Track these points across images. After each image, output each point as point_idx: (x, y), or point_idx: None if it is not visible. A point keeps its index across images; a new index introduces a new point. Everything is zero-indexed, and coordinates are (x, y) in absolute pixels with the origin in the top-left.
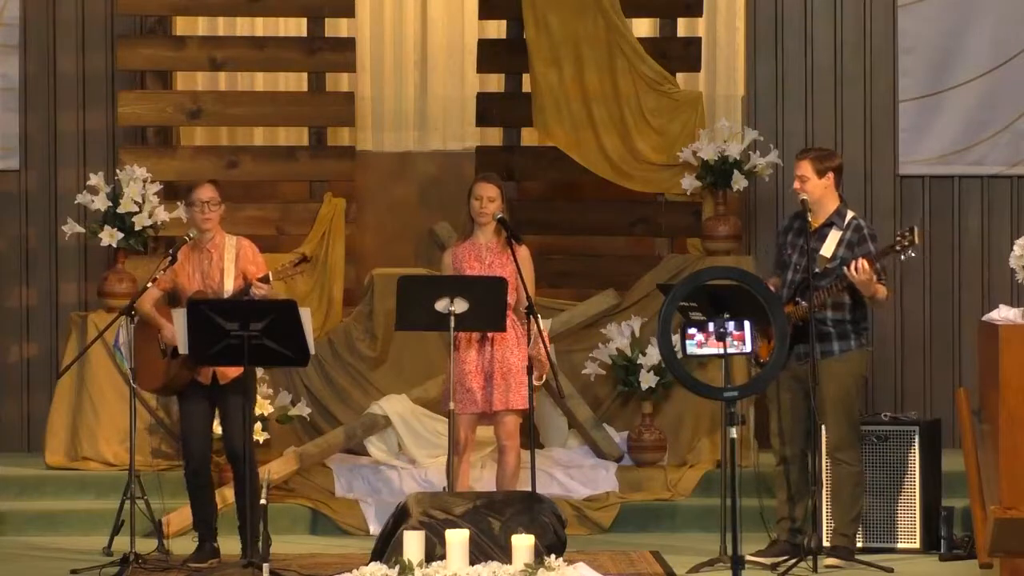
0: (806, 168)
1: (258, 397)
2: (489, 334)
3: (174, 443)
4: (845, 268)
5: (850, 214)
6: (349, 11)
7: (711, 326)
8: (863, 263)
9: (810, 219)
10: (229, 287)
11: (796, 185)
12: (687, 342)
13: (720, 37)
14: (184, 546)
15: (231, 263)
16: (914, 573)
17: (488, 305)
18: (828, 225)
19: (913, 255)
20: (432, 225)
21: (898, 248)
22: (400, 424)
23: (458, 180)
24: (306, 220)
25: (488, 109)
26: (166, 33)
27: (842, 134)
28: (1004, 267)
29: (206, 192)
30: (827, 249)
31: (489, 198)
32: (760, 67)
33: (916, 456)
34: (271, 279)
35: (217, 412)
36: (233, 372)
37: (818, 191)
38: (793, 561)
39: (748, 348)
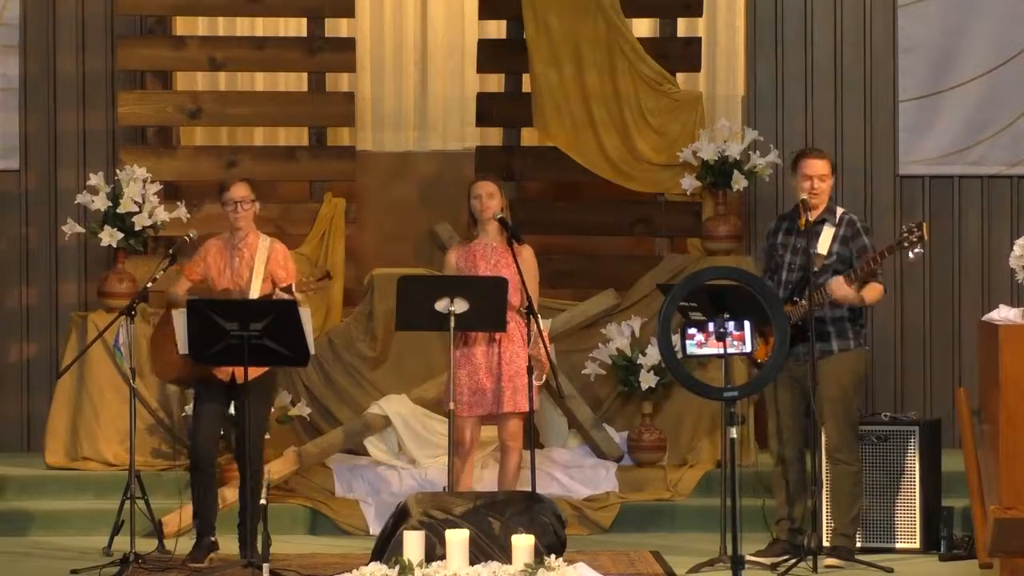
0: (827, 168)
1: None
2: (496, 335)
3: (174, 443)
4: (829, 284)
5: (840, 210)
6: (349, 11)
7: (711, 326)
8: (836, 282)
9: (809, 218)
10: (256, 288)
11: (818, 185)
12: (687, 342)
13: (720, 37)
14: (184, 546)
15: (261, 264)
16: (914, 573)
17: (488, 305)
18: (820, 222)
19: (921, 251)
20: (432, 225)
21: (906, 244)
22: (400, 424)
23: (458, 180)
24: (306, 220)
25: (488, 109)
26: (166, 33)
27: (842, 134)
28: (1004, 267)
29: (240, 191)
30: (823, 246)
31: (488, 194)
32: (760, 67)
33: (916, 456)
34: (295, 290)
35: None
36: (252, 371)
37: (830, 190)
38: (793, 561)
39: (748, 348)
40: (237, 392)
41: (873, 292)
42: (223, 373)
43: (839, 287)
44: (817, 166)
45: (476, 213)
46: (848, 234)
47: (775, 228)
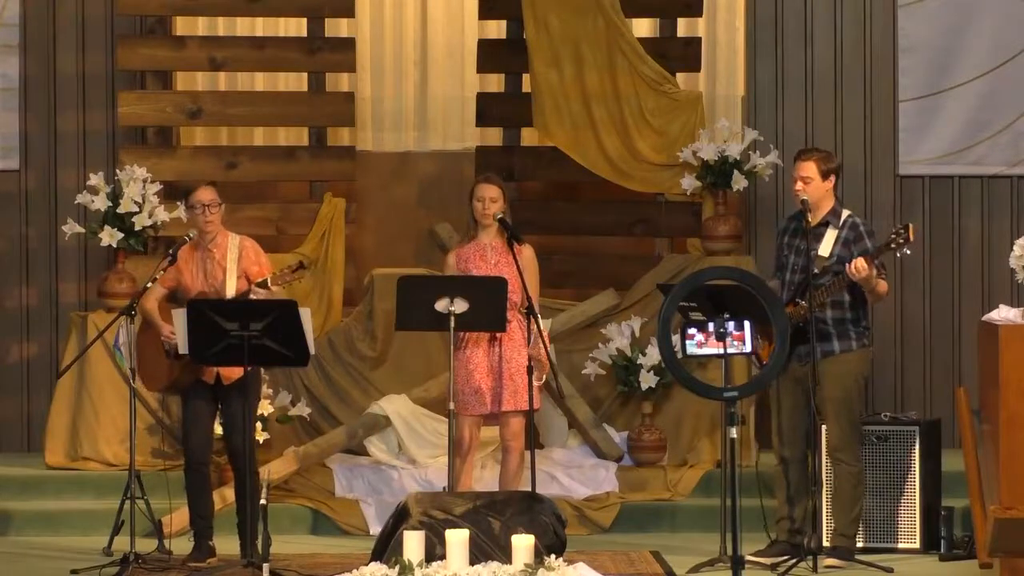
0: (811, 169)
1: None
2: (497, 334)
3: (174, 443)
4: (846, 268)
5: (845, 213)
6: (349, 11)
7: (711, 326)
8: (861, 262)
9: (809, 218)
10: (231, 287)
11: (798, 186)
12: (687, 342)
13: (720, 37)
14: (184, 546)
15: (234, 263)
16: (914, 573)
17: (488, 305)
18: (824, 224)
19: (909, 252)
20: (432, 225)
21: (893, 246)
22: (400, 424)
23: (458, 180)
24: (306, 220)
25: (488, 109)
26: (166, 33)
27: (842, 134)
28: (1004, 267)
29: (206, 194)
30: (825, 249)
31: (491, 199)
32: (760, 67)
33: (916, 456)
34: (269, 284)
35: (219, 411)
36: (237, 372)
37: (819, 192)
38: (793, 561)
39: (748, 348)
40: (222, 393)
41: (883, 285)
42: (208, 375)
43: (862, 268)
44: (800, 168)
45: (477, 215)
46: (851, 237)
47: (783, 228)
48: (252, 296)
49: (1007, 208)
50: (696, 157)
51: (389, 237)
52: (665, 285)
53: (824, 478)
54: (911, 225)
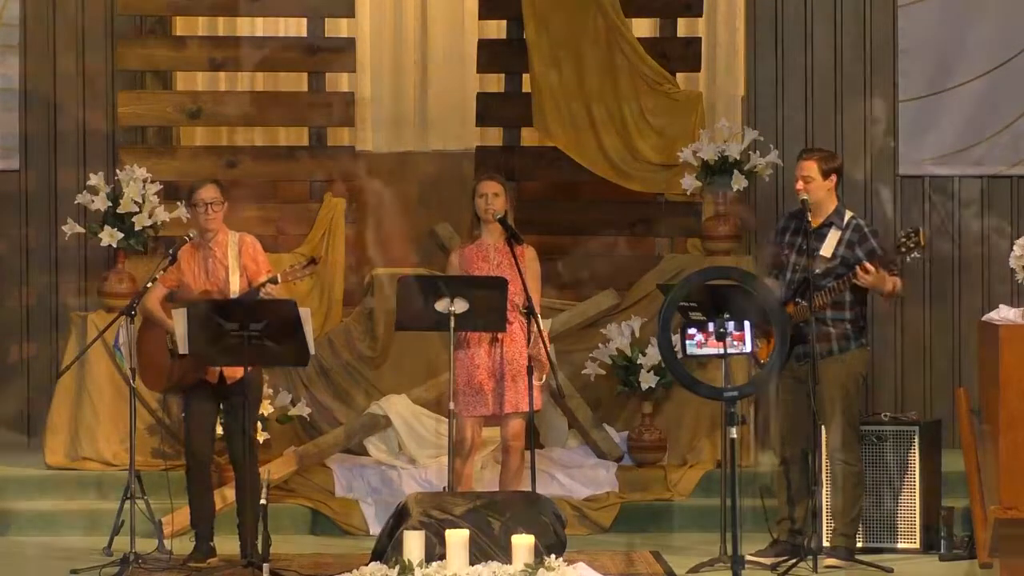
0: (812, 169)
1: None
2: (499, 335)
3: (174, 443)
4: (856, 270)
5: (848, 214)
6: (349, 11)
7: (711, 326)
8: (867, 265)
9: (809, 218)
10: (235, 285)
11: (799, 186)
12: (687, 342)
13: (720, 37)
14: (184, 546)
15: (235, 260)
16: (914, 573)
17: (488, 305)
18: (827, 225)
19: (919, 256)
20: (433, 225)
21: (903, 250)
22: (400, 424)
23: (458, 180)
24: (306, 220)
25: (488, 109)
26: (166, 33)
27: (842, 134)
28: (1004, 267)
29: (209, 193)
30: (827, 249)
31: (494, 193)
32: (760, 67)
33: (916, 456)
34: (279, 280)
35: (221, 411)
36: (241, 372)
37: (821, 192)
38: (793, 561)
39: (748, 348)
40: (225, 393)
41: (897, 283)
42: (211, 375)
43: (869, 271)
44: (801, 167)
45: (480, 212)
46: (854, 239)
47: (783, 227)
48: (262, 293)
49: (1007, 208)
50: (696, 157)
51: (389, 237)
52: (665, 285)
53: (824, 478)
54: (921, 230)
